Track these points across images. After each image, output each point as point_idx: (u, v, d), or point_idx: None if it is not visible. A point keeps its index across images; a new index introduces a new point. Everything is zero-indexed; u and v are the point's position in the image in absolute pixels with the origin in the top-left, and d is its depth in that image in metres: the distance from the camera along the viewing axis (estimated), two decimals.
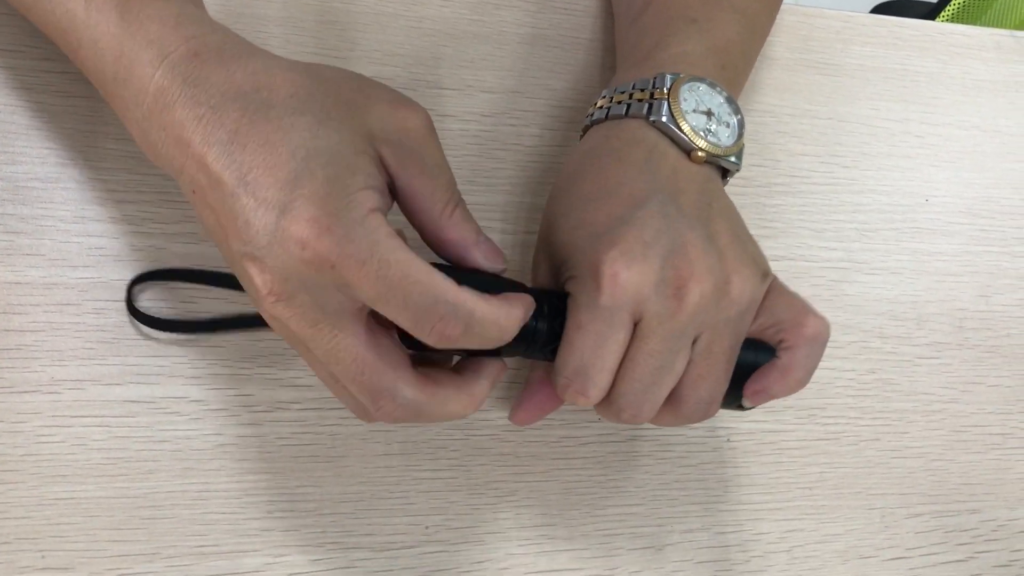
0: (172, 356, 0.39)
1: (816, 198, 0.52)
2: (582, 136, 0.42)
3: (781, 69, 0.54)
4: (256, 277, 0.30)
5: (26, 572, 0.35)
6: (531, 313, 0.34)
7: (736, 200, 0.50)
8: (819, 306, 0.49)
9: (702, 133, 0.38)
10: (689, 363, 0.35)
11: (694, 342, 0.35)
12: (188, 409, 0.39)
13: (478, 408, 0.35)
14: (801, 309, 0.38)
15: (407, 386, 0.32)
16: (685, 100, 0.38)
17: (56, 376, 0.38)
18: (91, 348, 0.38)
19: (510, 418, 0.41)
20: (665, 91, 0.38)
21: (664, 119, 0.38)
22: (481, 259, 0.34)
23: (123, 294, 0.39)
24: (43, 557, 0.36)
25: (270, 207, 0.29)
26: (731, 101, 0.40)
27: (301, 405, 0.40)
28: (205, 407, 0.39)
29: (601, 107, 0.41)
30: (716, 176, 0.39)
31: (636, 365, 0.35)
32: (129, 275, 0.39)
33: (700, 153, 0.38)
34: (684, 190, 0.37)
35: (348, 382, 0.32)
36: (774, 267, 0.49)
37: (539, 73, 0.50)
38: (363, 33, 0.47)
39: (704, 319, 0.35)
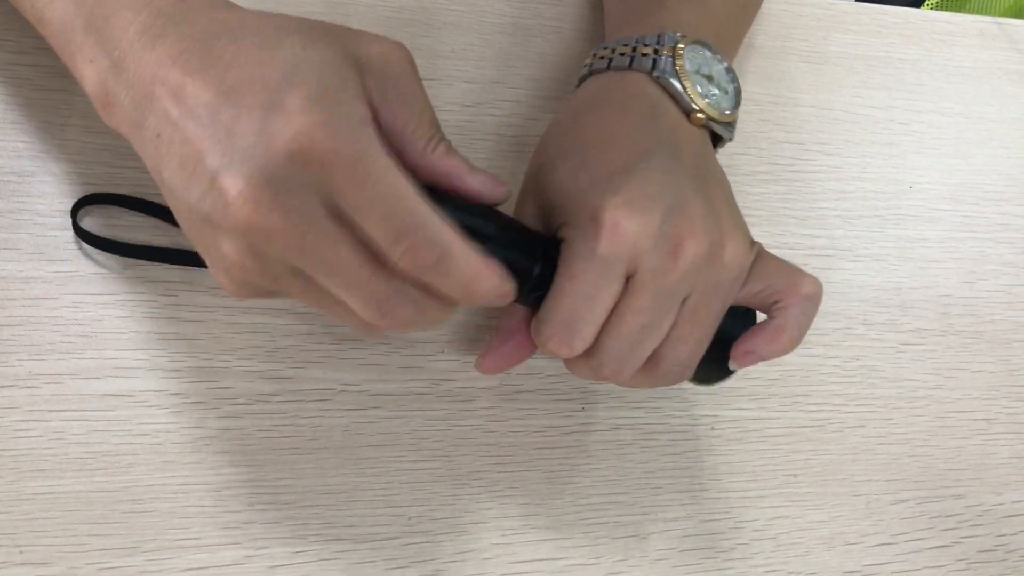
0: (151, 349, 0.39)
1: (800, 186, 0.52)
2: (578, 85, 0.41)
3: (764, 57, 0.54)
4: (232, 188, 0.27)
5: (4, 568, 0.35)
6: (509, 286, 0.31)
7: None
8: None
9: (703, 95, 0.38)
10: (673, 324, 0.35)
11: (682, 304, 0.35)
12: (167, 402, 0.38)
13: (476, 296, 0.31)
14: (794, 271, 0.38)
15: (403, 303, 0.30)
16: (689, 61, 0.38)
17: (34, 370, 0.37)
18: (69, 342, 0.38)
19: (476, 366, 0.40)
20: (670, 49, 0.38)
21: (668, 76, 0.38)
22: (478, 186, 0.32)
23: (101, 287, 0.39)
24: (21, 552, 0.35)
25: (255, 108, 0.27)
26: (730, 70, 0.40)
27: (281, 397, 0.40)
28: (184, 400, 0.39)
29: (602, 58, 0.40)
30: (710, 142, 0.39)
31: (624, 321, 0.34)
32: (106, 268, 0.39)
33: (699, 115, 0.38)
34: (684, 149, 0.37)
35: (348, 290, 0.29)
36: None
37: (520, 63, 0.49)
38: (341, 22, 0.46)
39: (696, 280, 0.34)
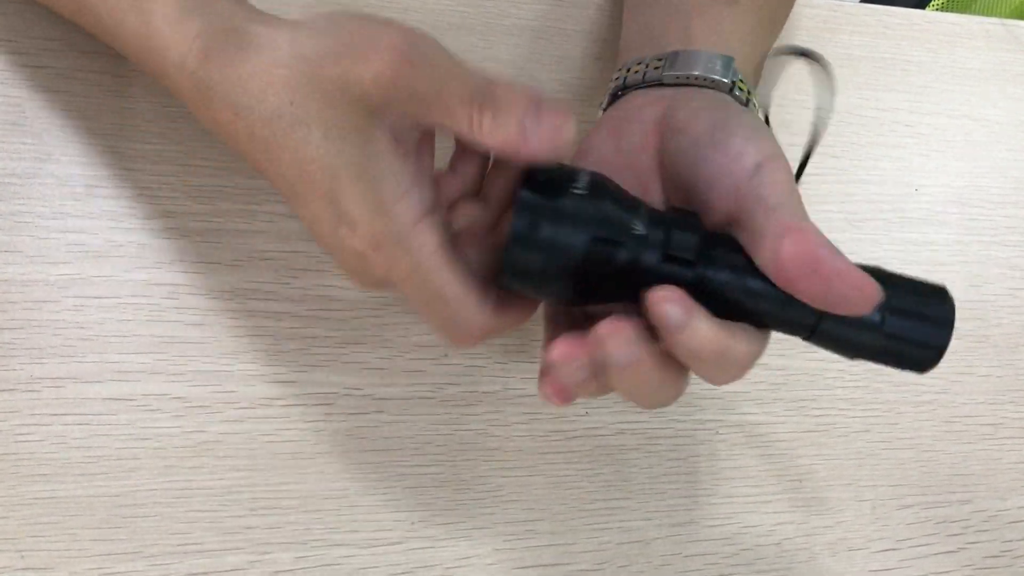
0: (153, 353, 0.39)
1: (804, 188, 0.51)
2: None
3: (769, 59, 0.54)
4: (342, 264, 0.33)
5: (5, 572, 0.35)
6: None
7: None
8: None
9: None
10: None
11: None
12: (169, 406, 0.38)
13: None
14: None
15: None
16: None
17: (35, 374, 0.37)
18: (70, 346, 0.38)
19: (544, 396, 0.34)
20: (743, 79, 0.38)
21: (743, 101, 0.38)
22: (536, 150, 0.30)
23: (103, 291, 0.39)
24: (23, 557, 0.35)
25: (324, 219, 0.32)
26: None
27: (284, 401, 0.39)
28: (186, 404, 0.38)
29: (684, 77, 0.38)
30: None
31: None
32: (108, 271, 0.39)
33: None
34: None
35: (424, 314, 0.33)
36: None
37: (527, 65, 0.49)
38: None
39: None
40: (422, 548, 0.39)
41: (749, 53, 0.41)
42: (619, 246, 0.31)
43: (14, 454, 0.36)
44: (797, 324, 0.33)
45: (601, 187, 0.31)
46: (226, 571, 0.37)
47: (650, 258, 0.31)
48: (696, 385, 0.45)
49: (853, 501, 0.46)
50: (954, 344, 0.50)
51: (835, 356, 0.48)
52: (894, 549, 0.45)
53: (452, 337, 0.33)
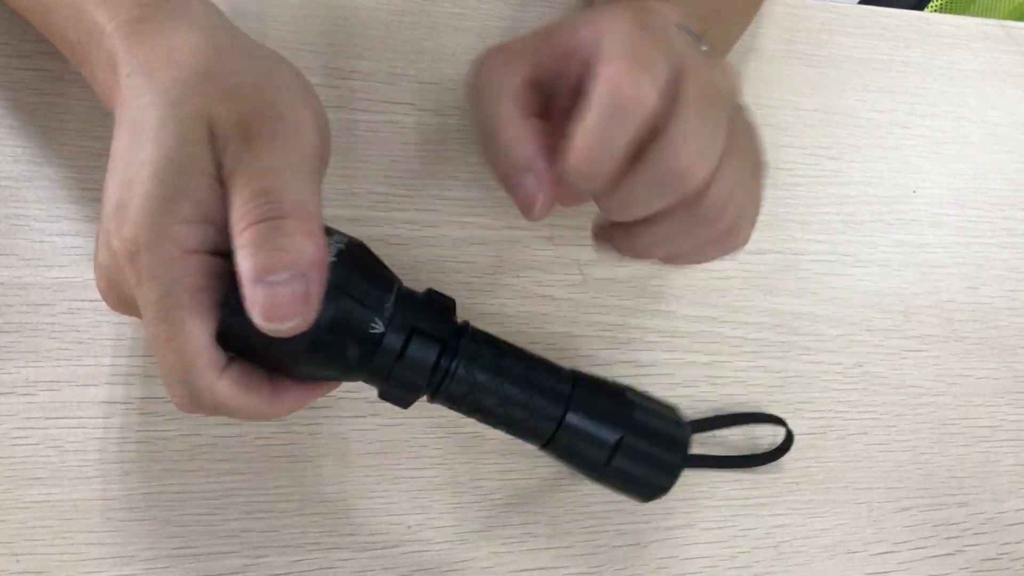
0: (148, 356, 0.39)
1: (802, 190, 0.51)
2: None
3: (766, 61, 0.54)
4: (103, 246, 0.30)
5: None
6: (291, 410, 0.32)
7: None
8: (806, 300, 0.49)
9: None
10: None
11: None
12: (165, 410, 0.38)
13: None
14: None
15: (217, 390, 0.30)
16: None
17: (31, 377, 0.37)
18: (66, 349, 0.38)
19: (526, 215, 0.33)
20: None
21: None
22: (250, 300, 0.27)
23: (98, 294, 0.39)
24: (18, 561, 0.35)
25: (111, 199, 0.29)
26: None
27: None
28: None
29: None
30: None
31: (691, 84, 0.31)
32: None
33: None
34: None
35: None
36: (760, 259, 0.49)
37: None
38: (342, 27, 0.46)
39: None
40: (419, 551, 0.39)
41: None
42: (353, 343, 0.31)
43: (10, 457, 0.36)
44: (537, 433, 0.35)
45: (347, 274, 0.30)
46: (221, 575, 0.37)
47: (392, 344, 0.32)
48: (695, 388, 0.45)
49: (851, 504, 0.46)
50: (952, 346, 0.50)
51: (834, 359, 0.48)
52: (892, 552, 0.45)
53: (175, 394, 0.30)
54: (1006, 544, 0.47)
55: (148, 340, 0.29)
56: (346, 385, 0.40)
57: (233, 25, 0.34)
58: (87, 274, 0.39)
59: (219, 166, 0.29)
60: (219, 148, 0.29)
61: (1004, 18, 0.64)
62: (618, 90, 0.29)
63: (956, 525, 0.47)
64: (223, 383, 0.30)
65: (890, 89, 0.56)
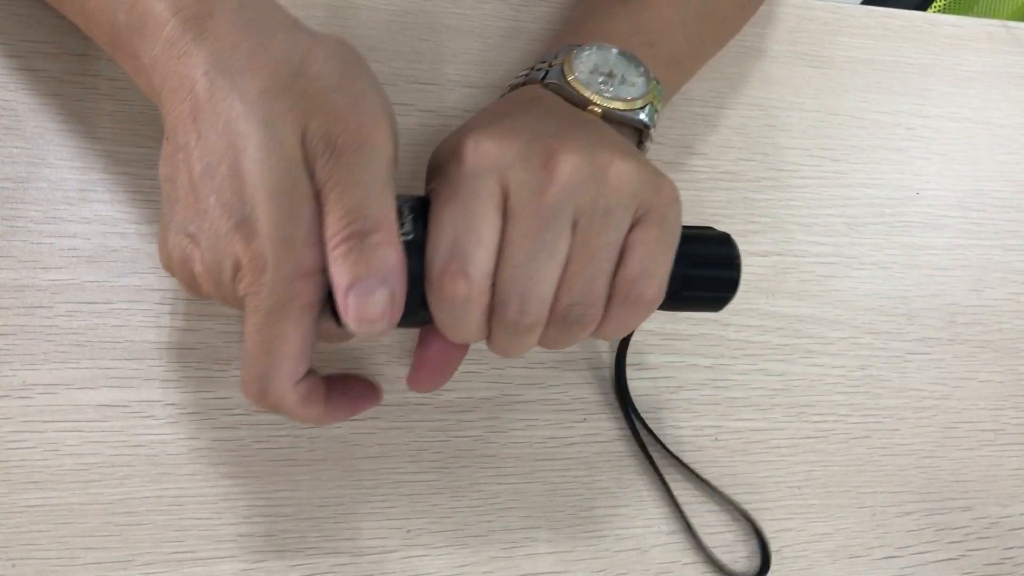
0: (146, 359, 0.38)
1: (805, 192, 0.51)
2: None
3: (769, 61, 0.53)
4: (192, 254, 0.32)
5: None
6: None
7: (724, 195, 0.49)
8: (808, 301, 0.48)
9: (597, 91, 0.38)
10: (567, 258, 0.32)
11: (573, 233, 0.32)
12: (163, 413, 0.38)
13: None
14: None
15: (281, 384, 0.32)
16: (582, 63, 0.38)
17: (28, 380, 0.37)
18: (64, 351, 0.38)
19: (407, 382, 0.37)
20: (562, 58, 0.39)
21: (556, 80, 0.38)
22: (343, 306, 0.30)
23: (96, 296, 0.38)
24: (14, 566, 0.35)
25: (228, 214, 0.30)
26: (635, 63, 0.39)
27: None
28: (180, 410, 0.38)
29: (510, 86, 0.41)
30: (611, 129, 0.37)
31: (512, 247, 0.31)
32: (102, 277, 0.39)
33: (595, 108, 0.37)
34: (573, 116, 0.37)
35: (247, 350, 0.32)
36: (763, 262, 0.48)
37: (523, 68, 0.49)
38: (342, 27, 0.46)
39: (579, 200, 0.32)
40: (418, 556, 0.39)
41: (637, 43, 0.41)
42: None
43: (6, 461, 0.36)
44: None
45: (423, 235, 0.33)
46: None
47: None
48: (695, 391, 0.45)
49: (853, 508, 0.45)
50: (955, 349, 0.50)
51: (837, 362, 0.48)
52: (895, 556, 0.45)
53: (249, 387, 0.32)
54: (1009, 549, 0.47)
55: (246, 335, 0.31)
56: None
57: (295, 17, 0.33)
58: (85, 276, 0.38)
59: (312, 182, 0.31)
60: (310, 162, 0.30)
61: (1007, 19, 0.64)
62: (440, 294, 0.32)
63: (959, 529, 0.46)
64: (292, 393, 0.32)
65: (893, 90, 0.55)
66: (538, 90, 0.39)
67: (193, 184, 0.31)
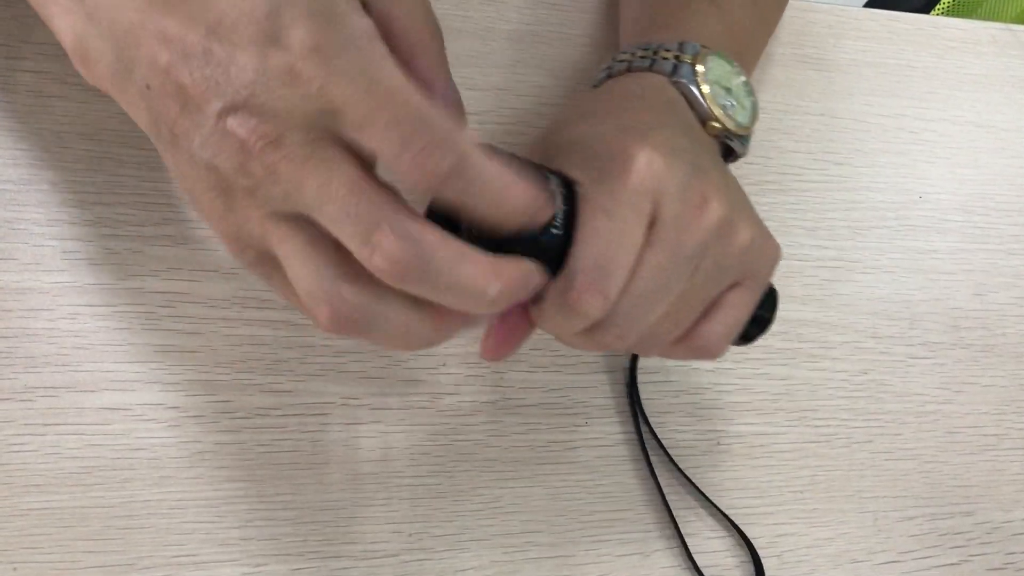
0: (148, 362, 0.38)
1: (808, 196, 0.51)
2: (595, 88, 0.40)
3: (773, 65, 0.53)
4: (240, 128, 0.26)
5: None
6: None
7: None
8: (812, 306, 0.48)
9: (721, 106, 0.37)
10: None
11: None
12: (165, 416, 0.38)
13: (501, 296, 0.28)
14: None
15: (409, 219, 0.26)
16: (711, 71, 0.37)
17: (29, 383, 0.37)
18: (65, 354, 0.38)
19: (481, 354, 0.34)
20: (691, 56, 0.37)
21: (687, 82, 0.37)
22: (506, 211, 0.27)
23: (98, 299, 0.38)
24: (15, 569, 0.35)
25: (251, 44, 0.25)
26: (748, 83, 0.39)
27: (280, 411, 0.39)
28: (182, 414, 0.38)
29: (621, 60, 0.39)
30: (721, 154, 0.38)
31: (641, 278, 0.31)
32: (104, 279, 0.39)
33: (716, 124, 0.37)
34: (703, 140, 0.36)
35: (342, 219, 0.26)
36: None
37: (527, 70, 0.49)
38: None
39: (710, 250, 0.32)
40: (419, 560, 0.39)
41: (730, 49, 0.40)
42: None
43: (7, 464, 0.36)
44: None
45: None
46: None
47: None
48: (698, 395, 0.45)
49: (855, 513, 0.45)
50: (958, 354, 0.50)
51: (839, 366, 0.48)
52: (897, 561, 0.45)
53: (417, 143, 0.25)
54: (1012, 554, 0.47)
55: (364, 128, 0.26)
56: (347, 392, 0.40)
57: None
58: (86, 278, 0.38)
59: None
60: None
61: (1011, 22, 0.64)
62: (571, 304, 0.30)
63: (962, 534, 0.46)
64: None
65: (897, 93, 0.55)
66: (665, 86, 0.37)
67: (204, 50, 0.25)
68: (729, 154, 0.39)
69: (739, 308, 0.34)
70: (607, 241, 0.30)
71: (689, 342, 0.34)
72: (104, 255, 0.39)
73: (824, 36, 0.55)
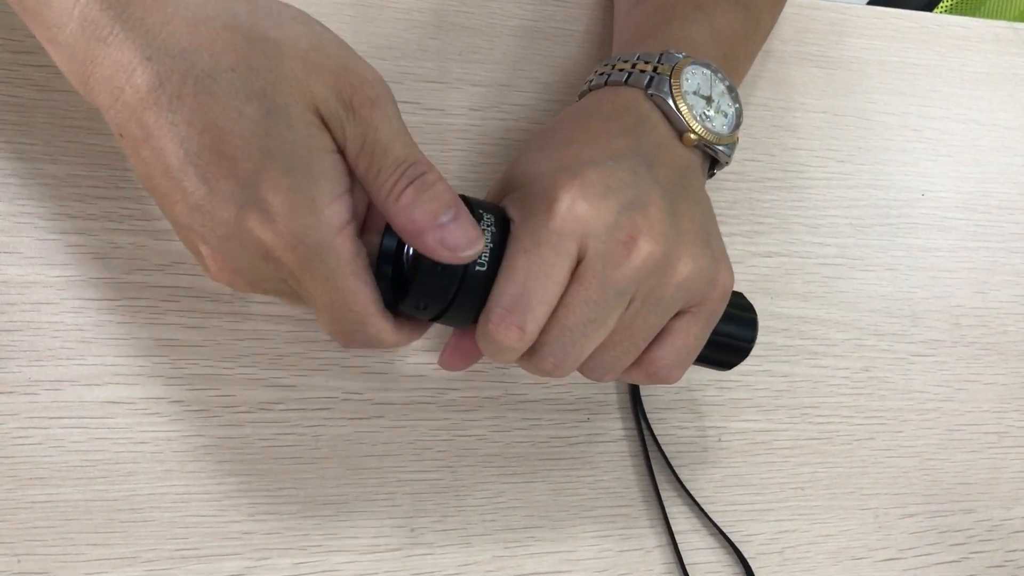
0: (152, 356, 0.38)
1: (811, 193, 0.51)
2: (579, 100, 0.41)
3: (776, 62, 0.53)
4: (206, 255, 0.31)
5: None
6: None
7: (730, 195, 0.49)
8: (813, 303, 0.48)
9: (698, 117, 0.38)
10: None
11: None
12: (168, 410, 0.38)
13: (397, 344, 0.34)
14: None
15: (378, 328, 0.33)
16: (687, 81, 0.38)
17: (33, 376, 0.37)
18: (69, 348, 0.38)
19: (438, 361, 0.37)
20: (669, 68, 0.38)
21: (663, 95, 0.37)
22: (435, 246, 0.30)
23: (103, 293, 0.38)
24: (19, 561, 0.35)
25: (228, 201, 0.29)
26: (732, 90, 0.39)
27: (284, 406, 0.39)
28: (185, 408, 0.38)
29: (601, 74, 0.40)
30: (700, 166, 0.39)
31: (571, 311, 0.33)
32: (108, 273, 0.39)
33: (692, 136, 0.37)
34: (663, 164, 0.36)
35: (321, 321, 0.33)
36: (768, 262, 0.48)
37: (529, 66, 0.49)
38: (350, 24, 0.46)
39: (643, 284, 0.33)
40: (422, 555, 0.39)
41: (716, 55, 0.41)
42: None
43: (11, 457, 0.36)
44: None
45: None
46: None
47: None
48: (699, 392, 0.45)
49: (856, 510, 0.45)
50: (959, 351, 0.50)
51: (841, 363, 0.48)
52: (897, 558, 0.45)
53: (342, 339, 0.33)
54: (1012, 551, 0.47)
55: (317, 307, 0.32)
56: (349, 387, 0.40)
57: None
58: (91, 272, 0.39)
59: (337, 142, 0.30)
60: (333, 127, 0.30)
61: (1014, 20, 0.64)
62: (490, 335, 0.33)
63: (962, 532, 0.46)
64: (388, 326, 0.33)
65: (900, 91, 0.55)
66: (640, 101, 0.38)
67: (173, 177, 0.29)
68: (715, 164, 0.40)
69: (686, 335, 0.36)
70: (524, 278, 0.32)
71: (642, 368, 0.36)
72: (108, 249, 0.39)
73: (827, 33, 0.55)
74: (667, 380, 0.36)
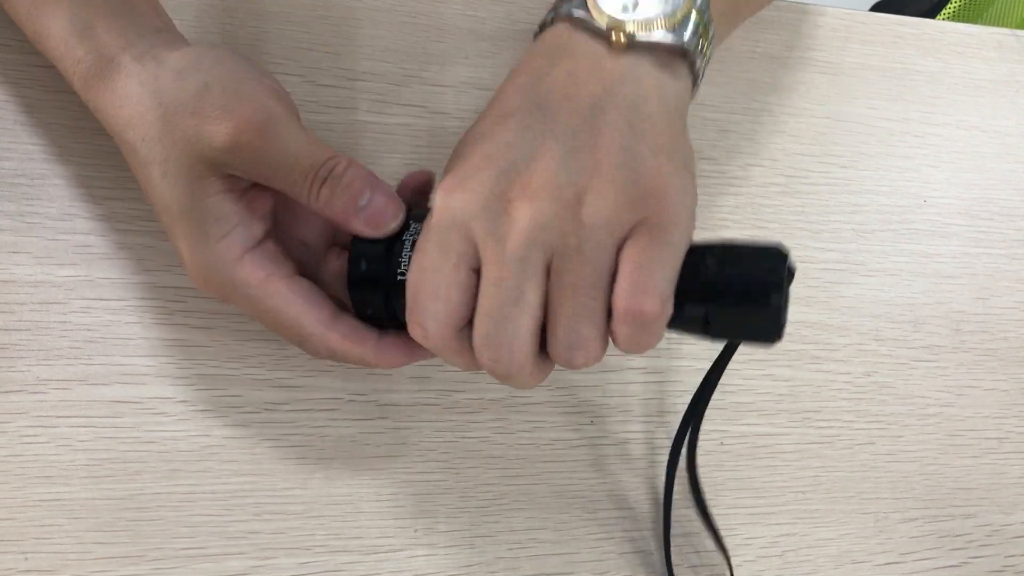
0: (159, 356, 0.39)
1: (813, 198, 0.51)
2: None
3: (779, 67, 0.54)
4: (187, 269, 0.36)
5: (9, 575, 0.35)
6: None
7: (732, 200, 0.49)
8: (815, 308, 0.48)
9: (620, 11, 0.33)
10: (547, 298, 0.32)
11: (548, 273, 0.31)
12: (175, 410, 0.38)
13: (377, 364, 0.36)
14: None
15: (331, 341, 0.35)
16: None
17: (42, 376, 0.37)
18: (77, 347, 0.38)
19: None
20: None
21: (579, 12, 0.34)
22: (361, 227, 0.34)
23: (110, 293, 0.39)
24: (26, 559, 0.35)
25: (176, 237, 0.35)
26: None
27: (289, 406, 0.39)
28: (192, 408, 0.38)
29: (540, 25, 0.37)
30: (648, 72, 0.33)
31: (484, 298, 0.31)
32: (116, 273, 0.39)
33: (620, 36, 0.33)
34: (571, 96, 0.32)
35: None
36: None
37: None
38: (356, 28, 0.46)
39: (546, 241, 0.31)
40: (425, 556, 0.39)
41: None
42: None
43: (20, 456, 0.36)
44: None
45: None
46: None
47: None
48: None
49: (857, 514, 0.46)
50: (960, 357, 0.50)
51: (843, 368, 0.48)
52: (897, 563, 0.45)
53: (311, 354, 0.36)
54: (1011, 556, 0.47)
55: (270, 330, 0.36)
56: (355, 389, 0.40)
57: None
58: (99, 273, 0.39)
59: (229, 177, 0.34)
60: (225, 170, 0.34)
61: (1016, 27, 0.64)
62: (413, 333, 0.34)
63: (962, 537, 0.47)
64: (334, 336, 0.35)
65: (902, 97, 0.55)
66: (563, 34, 0.34)
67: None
68: (693, 73, 0.35)
69: (634, 259, 0.31)
70: (418, 277, 0.33)
71: (616, 319, 0.31)
72: (117, 249, 0.39)
73: (830, 39, 0.56)
74: (645, 316, 0.31)
